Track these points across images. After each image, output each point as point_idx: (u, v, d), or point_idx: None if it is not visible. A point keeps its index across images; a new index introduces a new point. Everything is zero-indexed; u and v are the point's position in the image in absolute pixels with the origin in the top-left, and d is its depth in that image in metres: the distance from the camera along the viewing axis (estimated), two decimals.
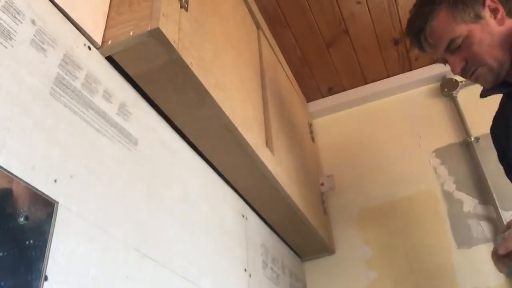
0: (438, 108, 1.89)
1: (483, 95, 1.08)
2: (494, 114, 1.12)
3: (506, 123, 1.07)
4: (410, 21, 1.08)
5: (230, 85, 1.09)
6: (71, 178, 0.67)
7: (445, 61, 1.06)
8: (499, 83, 1.03)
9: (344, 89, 2.08)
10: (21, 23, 0.65)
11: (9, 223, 0.55)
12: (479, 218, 1.61)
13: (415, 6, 1.08)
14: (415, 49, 1.10)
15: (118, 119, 0.82)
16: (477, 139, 1.72)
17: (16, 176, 0.58)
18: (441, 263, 1.57)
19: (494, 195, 1.57)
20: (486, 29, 0.97)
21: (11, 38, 0.63)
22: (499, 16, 0.98)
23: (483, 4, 0.98)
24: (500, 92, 1.07)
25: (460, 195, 1.67)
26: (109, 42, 0.82)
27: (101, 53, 0.82)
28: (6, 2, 0.64)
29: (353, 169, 1.90)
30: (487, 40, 0.97)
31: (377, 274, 1.65)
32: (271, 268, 1.40)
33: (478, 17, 0.97)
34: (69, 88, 0.72)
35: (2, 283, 0.51)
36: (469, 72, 1.01)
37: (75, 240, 0.64)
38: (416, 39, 1.06)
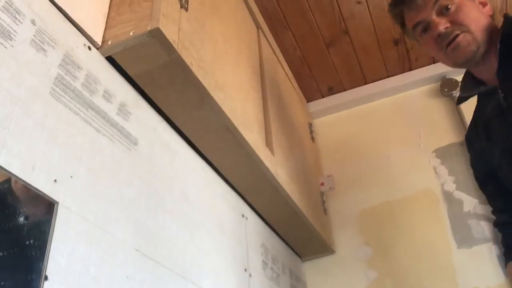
0: (438, 108, 1.89)
1: (460, 100, 1.09)
2: None
3: (486, 124, 1.06)
4: None
5: (230, 85, 1.09)
6: (71, 178, 0.67)
7: (425, 26, 1.03)
8: (473, 84, 1.04)
9: (344, 89, 2.08)
10: (21, 23, 0.65)
11: (9, 223, 0.55)
12: (479, 218, 1.60)
13: None
14: (398, 8, 1.09)
15: (118, 119, 0.82)
16: None
17: (16, 176, 0.58)
18: (441, 263, 1.57)
19: None
20: (476, 8, 1.01)
21: (11, 38, 0.63)
22: (486, 8, 1.03)
23: None
24: (476, 92, 1.07)
25: (460, 195, 1.67)
26: (109, 42, 0.82)
27: (101, 53, 0.83)
28: (6, 2, 0.64)
29: (353, 169, 1.90)
30: (475, 14, 0.99)
31: (377, 274, 1.65)
32: (271, 268, 1.40)
33: None
34: (69, 88, 0.72)
35: (2, 283, 0.51)
36: (451, 36, 0.98)
37: (75, 240, 0.64)
38: None
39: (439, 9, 1.00)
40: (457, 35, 0.98)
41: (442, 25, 0.99)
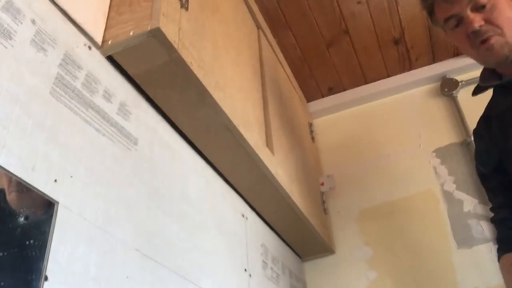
0: (438, 108, 1.89)
1: (476, 92, 1.08)
2: None
3: (501, 116, 1.06)
4: None
5: (230, 84, 1.09)
6: (71, 178, 0.67)
7: (457, 21, 1.02)
8: (493, 76, 1.03)
9: (344, 89, 2.08)
10: (21, 23, 0.65)
11: (9, 223, 0.55)
12: (479, 218, 1.60)
13: None
14: None
15: (118, 119, 0.82)
16: None
17: (16, 176, 0.58)
18: (441, 263, 1.57)
19: None
20: (510, 6, 0.99)
21: (11, 38, 0.63)
22: None
23: None
24: (495, 83, 1.06)
25: (460, 195, 1.67)
26: (109, 42, 0.82)
27: (101, 53, 0.82)
28: (6, 2, 0.64)
29: (353, 169, 1.90)
30: (509, 14, 0.98)
31: (377, 274, 1.65)
32: (271, 268, 1.40)
33: None
34: (69, 88, 0.72)
35: (2, 283, 0.51)
36: (484, 35, 0.97)
37: (75, 240, 0.64)
38: None
39: (474, 5, 0.99)
40: (491, 36, 0.97)
41: (477, 22, 0.98)
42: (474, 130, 1.17)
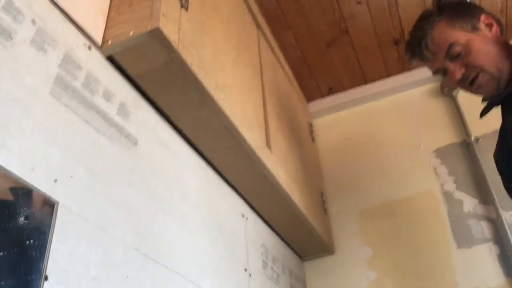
0: (438, 108, 1.89)
1: (483, 113, 1.09)
2: (494, 114, 1.11)
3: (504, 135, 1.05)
4: (411, 33, 1.13)
5: (230, 85, 1.09)
6: (71, 178, 0.67)
7: (444, 72, 1.08)
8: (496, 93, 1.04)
9: (344, 89, 2.08)
10: (21, 23, 0.65)
11: (9, 223, 0.55)
12: (479, 218, 1.61)
13: (416, 21, 1.13)
14: (415, 60, 1.13)
15: (118, 119, 0.82)
16: (477, 139, 1.72)
17: (16, 176, 0.58)
18: (441, 263, 1.57)
19: (494, 195, 1.57)
20: (484, 40, 1.03)
21: (11, 38, 0.63)
22: (493, 30, 1.05)
23: (479, 19, 1.05)
24: (499, 100, 1.06)
25: (460, 195, 1.67)
26: (109, 42, 0.82)
27: (101, 53, 0.83)
28: (6, 2, 0.64)
29: (353, 169, 1.90)
30: (484, 49, 1.02)
31: (377, 274, 1.65)
32: (271, 268, 1.40)
33: (475, 29, 1.04)
34: (69, 88, 0.72)
35: (2, 283, 0.51)
36: (469, 79, 1.02)
37: (75, 240, 0.64)
38: (417, 48, 1.10)
39: (450, 57, 1.04)
40: (476, 76, 1.02)
41: (458, 72, 1.03)
42: (495, 160, 1.12)
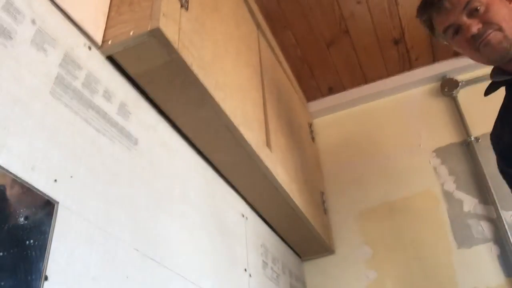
0: (438, 108, 1.89)
1: (488, 92, 1.08)
2: (494, 114, 1.12)
3: None
4: None
5: (230, 84, 1.09)
6: (71, 178, 0.67)
7: (455, 29, 1.05)
8: (502, 73, 1.03)
9: (344, 89, 2.08)
10: (21, 23, 0.65)
11: (9, 223, 0.55)
12: (479, 218, 1.60)
13: None
14: (426, 13, 1.09)
15: (118, 119, 0.82)
16: (477, 139, 1.72)
17: (16, 176, 0.58)
18: (441, 263, 1.57)
19: (494, 195, 1.57)
20: (504, 4, 1.01)
21: (11, 38, 0.63)
22: None
23: None
24: (506, 78, 1.06)
25: (460, 195, 1.67)
26: (109, 42, 0.82)
27: (102, 53, 0.82)
28: (6, 2, 0.63)
29: (353, 169, 1.90)
30: (504, 12, 1.00)
31: (377, 274, 1.65)
32: (271, 268, 1.40)
33: None
34: (69, 88, 0.72)
35: (2, 283, 0.51)
36: (483, 36, 1.00)
37: (75, 240, 0.64)
38: None
39: (469, 12, 1.02)
40: (489, 34, 0.99)
41: (475, 26, 1.00)
42: (492, 134, 1.14)
